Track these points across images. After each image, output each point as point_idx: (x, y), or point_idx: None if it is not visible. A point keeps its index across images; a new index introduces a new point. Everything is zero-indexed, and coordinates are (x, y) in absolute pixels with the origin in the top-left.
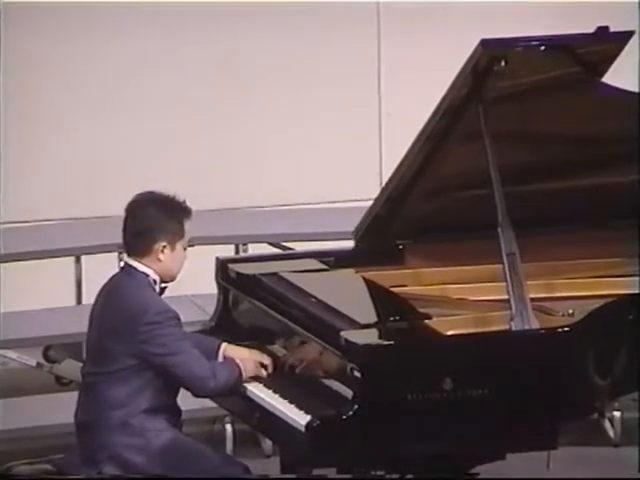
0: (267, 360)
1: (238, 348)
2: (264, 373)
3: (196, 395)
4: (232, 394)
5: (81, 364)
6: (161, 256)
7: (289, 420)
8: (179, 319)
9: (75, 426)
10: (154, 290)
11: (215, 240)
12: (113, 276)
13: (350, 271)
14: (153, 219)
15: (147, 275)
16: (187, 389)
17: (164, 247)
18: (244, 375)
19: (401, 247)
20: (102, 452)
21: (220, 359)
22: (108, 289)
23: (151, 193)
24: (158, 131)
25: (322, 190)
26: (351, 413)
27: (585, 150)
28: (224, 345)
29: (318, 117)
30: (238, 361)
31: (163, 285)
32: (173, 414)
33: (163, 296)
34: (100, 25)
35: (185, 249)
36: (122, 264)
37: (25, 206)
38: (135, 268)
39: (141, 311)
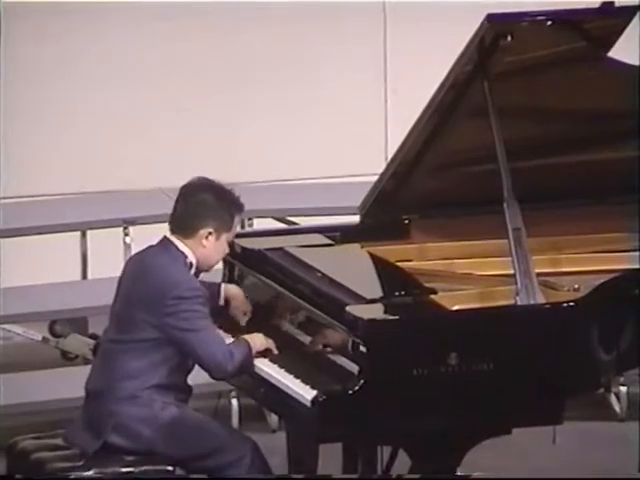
0: (249, 307)
1: (236, 292)
2: (272, 346)
3: (212, 377)
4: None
5: (87, 339)
6: (205, 242)
7: (295, 395)
8: (206, 298)
9: (85, 391)
10: (188, 269)
11: None
12: (147, 248)
13: (356, 246)
14: (208, 204)
15: (185, 256)
16: (204, 369)
17: (210, 234)
18: (252, 354)
19: (407, 222)
20: (107, 420)
21: (221, 301)
22: (140, 259)
23: (209, 180)
24: (163, 106)
25: (328, 165)
26: (357, 388)
27: (591, 125)
28: (223, 288)
29: (324, 92)
30: (248, 338)
31: (196, 271)
32: (183, 393)
33: None
34: (101, 14)
35: (228, 242)
36: (160, 237)
37: (30, 180)
38: (175, 246)
39: (172, 284)
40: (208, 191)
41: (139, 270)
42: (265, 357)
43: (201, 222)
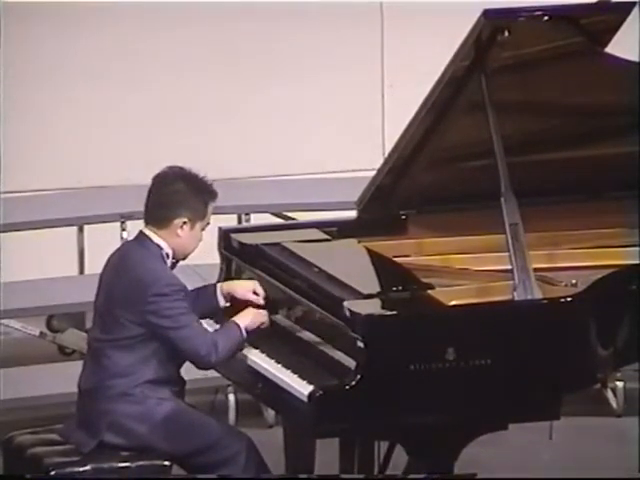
0: (260, 289)
1: (232, 283)
2: (265, 319)
3: (198, 368)
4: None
5: (84, 333)
6: (180, 232)
7: (292, 390)
8: (186, 292)
9: (78, 391)
10: (165, 263)
11: (218, 210)
12: (125, 243)
13: (353, 241)
14: (180, 194)
15: (161, 248)
16: (190, 362)
17: (184, 223)
18: (244, 334)
19: (404, 217)
20: (102, 419)
21: (220, 300)
22: (119, 257)
23: (181, 169)
24: (160, 101)
25: (325, 160)
26: (354, 383)
27: (588, 120)
28: (219, 286)
29: (322, 88)
30: (238, 320)
31: (174, 261)
32: (176, 385)
33: None
34: (99, 14)
35: (203, 230)
36: (136, 232)
37: (28, 175)
38: (150, 239)
39: (151, 281)
40: (180, 180)
41: (117, 269)
42: (263, 353)
43: (175, 212)
